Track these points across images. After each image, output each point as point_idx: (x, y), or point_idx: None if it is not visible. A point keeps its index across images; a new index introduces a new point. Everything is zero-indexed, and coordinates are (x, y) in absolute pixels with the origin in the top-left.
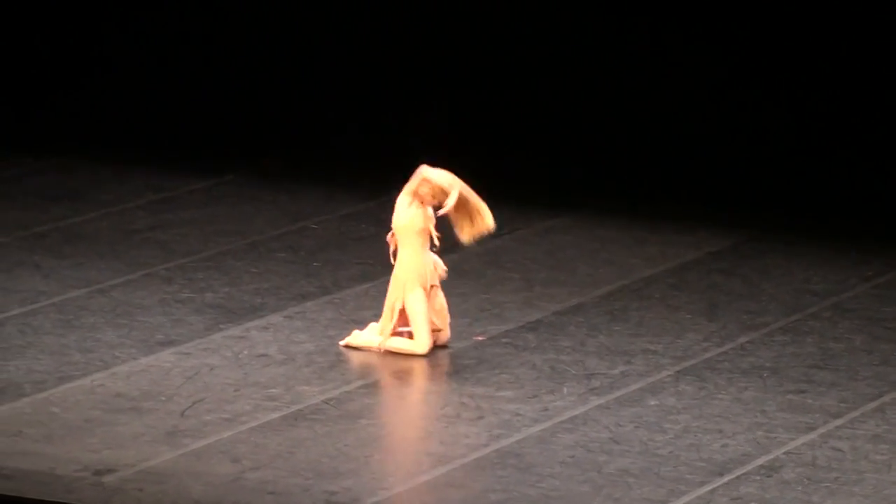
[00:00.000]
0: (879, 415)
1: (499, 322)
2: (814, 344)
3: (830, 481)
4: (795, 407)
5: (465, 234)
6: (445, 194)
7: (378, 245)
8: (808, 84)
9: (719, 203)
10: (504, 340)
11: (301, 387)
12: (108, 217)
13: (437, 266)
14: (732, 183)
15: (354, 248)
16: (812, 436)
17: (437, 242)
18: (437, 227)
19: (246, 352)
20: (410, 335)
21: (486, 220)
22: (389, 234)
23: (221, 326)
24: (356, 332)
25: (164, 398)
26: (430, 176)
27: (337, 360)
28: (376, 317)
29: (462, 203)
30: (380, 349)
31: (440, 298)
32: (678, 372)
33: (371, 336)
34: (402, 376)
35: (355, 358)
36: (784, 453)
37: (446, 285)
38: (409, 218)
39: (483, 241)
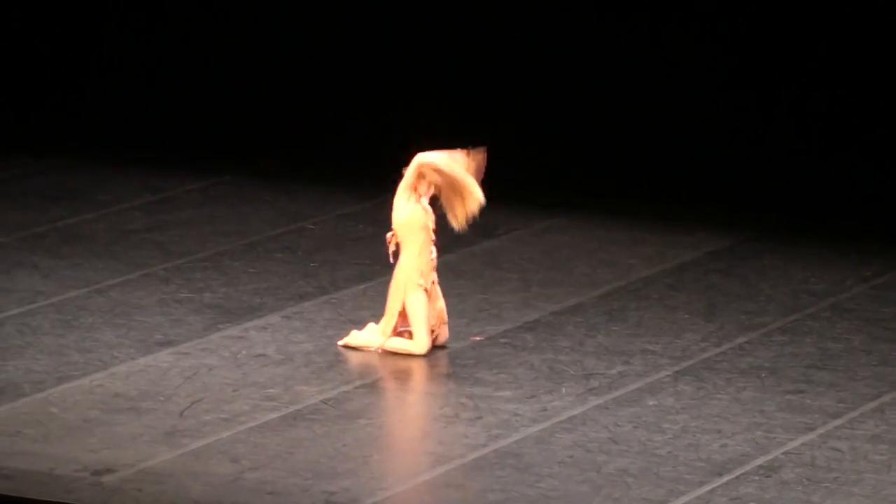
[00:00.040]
0: (878, 415)
1: (497, 322)
2: (812, 344)
3: (829, 481)
4: (794, 407)
5: (459, 217)
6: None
7: (376, 245)
8: (807, 84)
9: (718, 203)
10: (502, 341)
11: (299, 387)
12: (107, 217)
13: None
14: (731, 183)
15: (352, 248)
16: (811, 436)
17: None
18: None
19: (244, 352)
20: (410, 335)
21: (476, 195)
22: (390, 233)
23: (220, 326)
24: (354, 332)
25: (162, 398)
26: (426, 164)
27: (335, 360)
28: (374, 317)
29: (452, 183)
30: (379, 349)
31: (440, 298)
32: (677, 372)
33: (369, 336)
34: (401, 376)
35: (354, 358)
36: (783, 453)
37: (444, 286)
38: (409, 214)
39: (480, 241)
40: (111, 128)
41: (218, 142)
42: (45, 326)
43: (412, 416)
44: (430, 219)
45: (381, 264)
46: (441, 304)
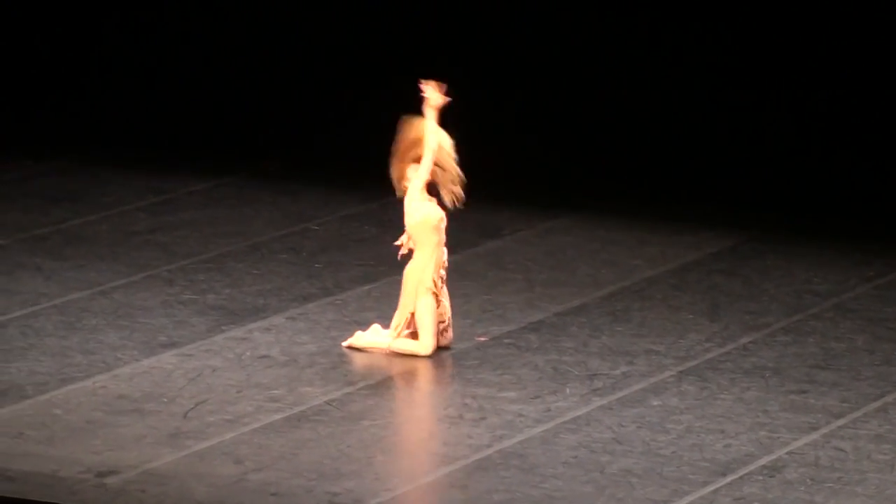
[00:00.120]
0: (882, 415)
1: (501, 323)
2: (815, 344)
3: (833, 481)
4: (798, 407)
5: (450, 193)
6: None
7: (379, 246)
8: (808, 84)
9: (720, 204)
10: (506, 341)
11: (303, 388)
12: (109, 219)
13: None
14: (733, 183)
15: (356, 249)
16: (814, 436)
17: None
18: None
19: (248, 353)
20: (415, 335)
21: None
22: (404, 236)
23: (223, 328)
24: (359, 333)
25: (166, 400)
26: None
27: (339, 361)
28: (378, 318)
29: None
30: (388, 349)
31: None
32: (680, 372)
33: (374, 337)
34: (405, 377)
35: (358, 359)
36: (787, 453)
37: (449, 287)
38: (424, 214)
39: (484, 242)
40: (112, 129)
41: (220, 143)
42: (49, 328)
43: (416, 416)
44: (442, 218)
45: (385, 265)
46: (446, 303)
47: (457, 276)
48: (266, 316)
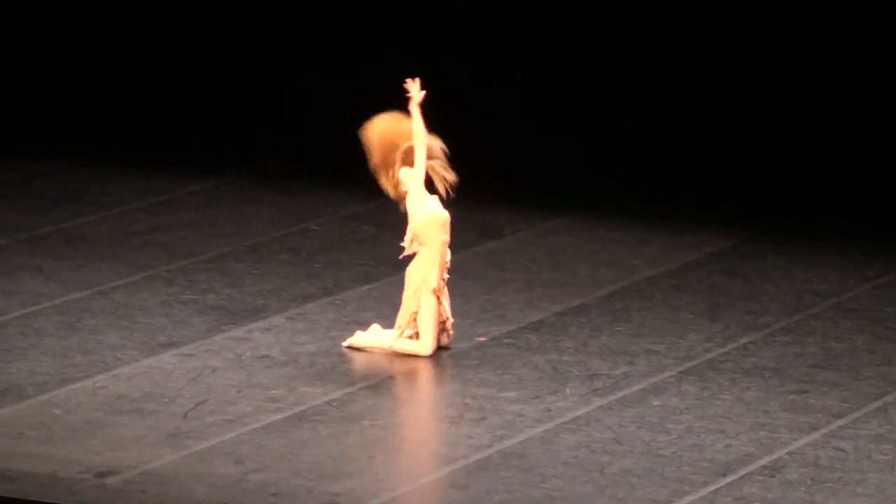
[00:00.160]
0: (882, 414)
1: (501, 323)
2: (816, 344)
3: (833, 481)
4: (798, 407)
5: (442, 181)
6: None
7: (379, 246)
8: (808, 84)
9: (720, 204)
10: (506, 341)
11: (303, 388)
12: (109, 219)
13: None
14: (733, 183)
15: (356, 249)
16: (815, 436)
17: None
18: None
19: (248, 353)
20: (416, 335)
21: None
22: (409, 240)
23: (223, 328)
24: (359, 333)
25: (166, 400)
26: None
27: (339, 361)
28: (378, 318)
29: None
30: (390, 349)
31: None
32: (681, 372)
33: (374, 336)
34: (405, 377)
35: (358, 359)
36: (787, 453)
37: (448, 287)
38: (429, 213)
39: (484, 242)
40: (112, 129)
41: (220, 143)
42: (48, 328)
43: (416, 417)
44: (447, 216)
45: (385, 265)
46: (446, 304)
47: (457, 276)
48: (266, 316)
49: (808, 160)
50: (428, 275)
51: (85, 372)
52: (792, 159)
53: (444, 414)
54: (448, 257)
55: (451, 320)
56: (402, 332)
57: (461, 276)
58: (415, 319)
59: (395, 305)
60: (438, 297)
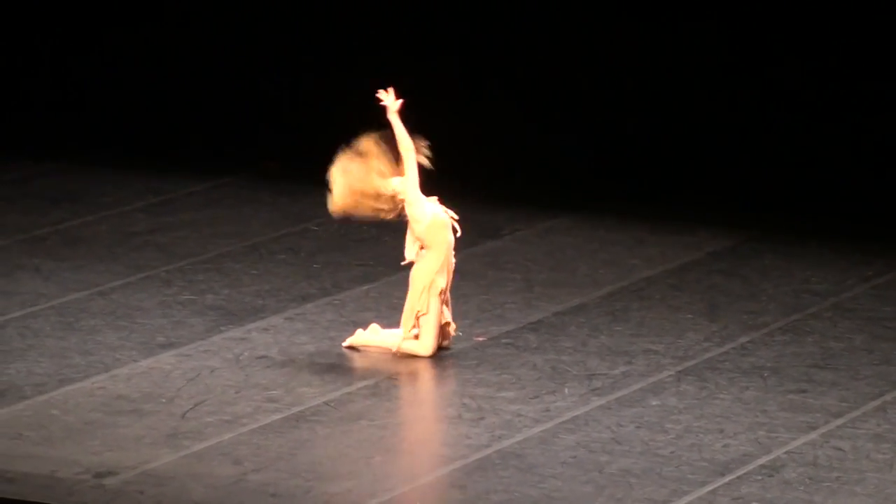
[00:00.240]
0: (881, 414)
1: (500, 323)
2: (814, 344)
3: (832, 481)
4: (796, 406)
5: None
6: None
7: (379, 247)
8: (808, 84)
9: (719, 204)
10: (505, 341)
11: (302, 388)
12: (108, 220)
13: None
14: (732, 183)
15: (355, 249)
16: (813, 435)
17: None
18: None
19: (246, 353)
20: (416, 336)
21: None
22: (412, 247)
23: (222, 328)
24: (359, 332)
25: (164, 400)
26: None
27: (338, 361)
28: (377, 318)
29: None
30: (397, 350)
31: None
32: (679, 372)
33: (374, 336)
34: (404, 377)
35: (356, 359)
36: (785, 453)
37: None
38: (431, 216)
39: (483, 242)
40: (112, 129)
41: (219, 143)
42: (47, 329)
43: (415, 417)
44: (449, 216)
45: (384, 265)
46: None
47: (456, 276)
48: (264, 316)
49: (807, 160)
50: (437, 276)
51: (83, 372)
52: (791, 159)
53: (443, 414)
54: (453, 260)
55: (454, 325)
56: (408, 329)
57: (460, 276)
58: (418, 319)
59: (394, 306)
60: (444, 300)
